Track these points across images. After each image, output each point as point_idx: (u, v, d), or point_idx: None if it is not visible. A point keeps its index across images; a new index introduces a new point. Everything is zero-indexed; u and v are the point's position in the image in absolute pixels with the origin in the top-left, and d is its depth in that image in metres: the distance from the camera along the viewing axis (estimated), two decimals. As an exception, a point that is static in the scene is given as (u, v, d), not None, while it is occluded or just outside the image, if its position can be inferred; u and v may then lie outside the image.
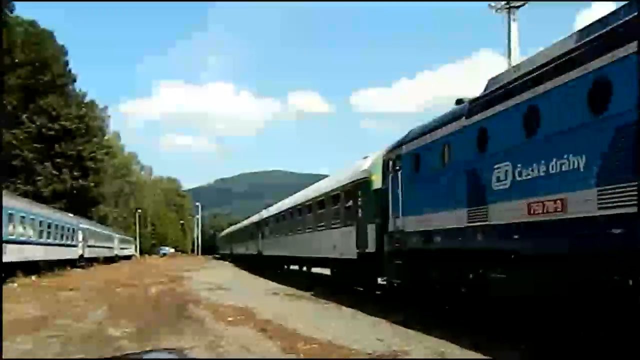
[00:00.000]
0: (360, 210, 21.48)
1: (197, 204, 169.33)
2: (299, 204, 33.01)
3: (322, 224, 26.95)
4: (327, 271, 30.59)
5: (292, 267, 38.15)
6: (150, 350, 11.87)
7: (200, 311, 18.67)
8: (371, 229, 20.12)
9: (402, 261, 17.28)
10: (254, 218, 52.80)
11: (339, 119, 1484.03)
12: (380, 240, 19.23)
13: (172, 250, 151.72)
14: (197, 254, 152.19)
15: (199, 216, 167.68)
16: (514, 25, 66.33)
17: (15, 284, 30.68)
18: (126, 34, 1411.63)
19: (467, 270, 13.56)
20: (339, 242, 23.88)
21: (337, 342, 12.30)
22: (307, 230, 29.96)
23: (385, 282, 20.85)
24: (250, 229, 53.86)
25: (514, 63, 65.06)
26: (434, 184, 14.99)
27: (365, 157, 23.08)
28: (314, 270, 33.22)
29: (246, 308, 18.99)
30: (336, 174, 28.05)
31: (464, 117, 13.60)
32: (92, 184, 76.68)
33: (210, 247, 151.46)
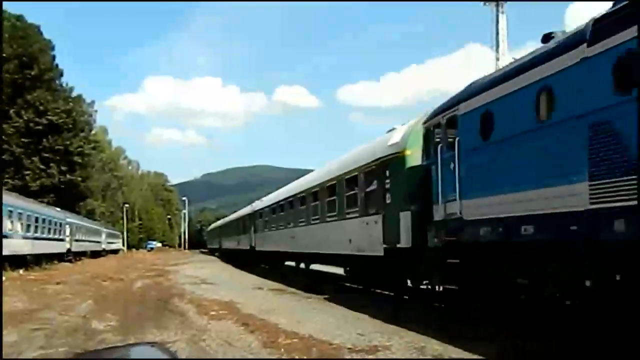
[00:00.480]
0: (388, 195, 16.54)
1: (184, 198, 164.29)
2: (301, 192, 27.42)
3: (333, 214, 21.66)
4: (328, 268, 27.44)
5: (290, 264, 33.67)
6: (133, 344, 11.02)
7: (184, 305, 17.88)
8: (405, 218, 15.36)
9: (459, 260, 12.57)
10: (246, 210, 46.91)
11: (326, 113, 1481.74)
12: (418, 232, 14.67)
13: (160, 244, 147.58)
14: (184, 248, 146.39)
15: (185, 211, 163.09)
16: (502, 19, 63.89)
17: (3, 278, 28.53)
18: (113, 29, 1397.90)
19: (584, 275, 9.09)
20: (356, 235, 18.95)
21: (319, 336, 11.67)
22: (313, 222, 24.69)
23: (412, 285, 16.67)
24: (242, 222, 48.06)
25: (501, 56, 62.20)
26: (519, 150, 10.31)
27: (391, 130, 18.36)
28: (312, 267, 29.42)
29: (230, 302, 17.98)
30: (351, 152, 22.86)
31: (584, 45, 8.81)
32: (80, 179, 73.42)
33: (197, 242, 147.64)
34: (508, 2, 58.63)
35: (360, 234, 18.55)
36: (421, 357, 9.76)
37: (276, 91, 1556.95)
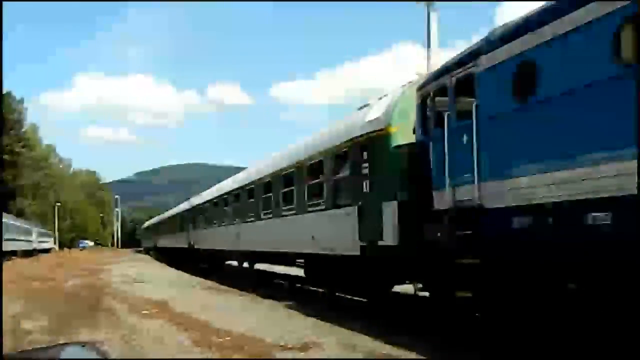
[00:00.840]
0: (366, 183, 13.07)
1: (117, 196, 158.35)
2: (249, 184, 23.48)
3: (290, 207, 18.12)
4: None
5: (233, 263, 30.45)
6: (63, 344, 9.65)
7: (116, 304, 17.22)
8: (390, 210, 12.09)
9: (479, 261, 9.34)
10: (184, 205, 42.88)
11: (260, 110, 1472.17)
12: (408, 226, 11.58)
13: (92, 243, 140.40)
14: (118, 247, 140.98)
15: (118, 209, 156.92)
16: (433, 18, 62.46)
17: None
18: (43, 26, 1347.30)
19: None
20: (321, 232, 15.57)
21: (250, 334, 11.30)
22: (265, 217, 20.83)
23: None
24: (179, 219, 43.92)
25: (433, 55, 61.86)
26: (586, 108, 7.20)
27: (364, 106, 15.15)
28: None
29: (163, 301, 17.31)
30: (313, 135, 19.11)
31: None
32: (10, 177, 69.04)
33: (131, 241, 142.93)
34: (440, 2, 57.05)
35: (326, 230, 15.28)
36: (352, 354, 9.45)
37: (209, 89, 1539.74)
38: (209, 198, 32.63)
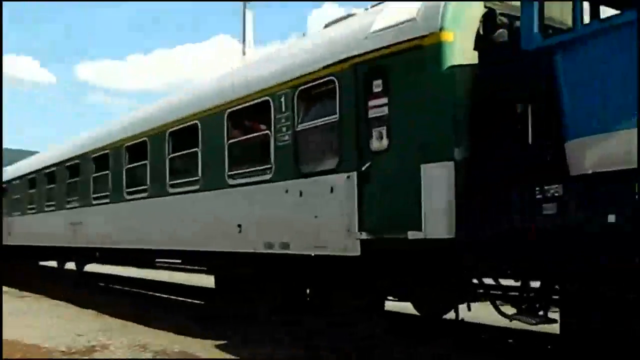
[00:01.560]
0: (382, 132, 7.50)
1: None
2: (99, 148, 15.62)
3: (187, 180, 11.56)
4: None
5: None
6: None
7: None
8: (438, 178, 6.90)
9: None
10: None
11: (62, 90, 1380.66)
12: (472, 206, 6.75)
13: None
14: None
15: None
16: (249, 14, 62.48)
17: None
18: None
19: None
20: (261, 217, 9.56)
21: (29, 340, 9.83)
22: (133, 197, 13.61)
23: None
24: None
25: (248, 49, 62.27)
26: None
27: (334, 21, 9.87)
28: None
29: None
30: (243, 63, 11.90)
31: None
32: None
33: None
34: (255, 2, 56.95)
35: (274, 215, 9.32)
36: (141, 353, 8.82)
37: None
38: (22, 173, 22.77)
